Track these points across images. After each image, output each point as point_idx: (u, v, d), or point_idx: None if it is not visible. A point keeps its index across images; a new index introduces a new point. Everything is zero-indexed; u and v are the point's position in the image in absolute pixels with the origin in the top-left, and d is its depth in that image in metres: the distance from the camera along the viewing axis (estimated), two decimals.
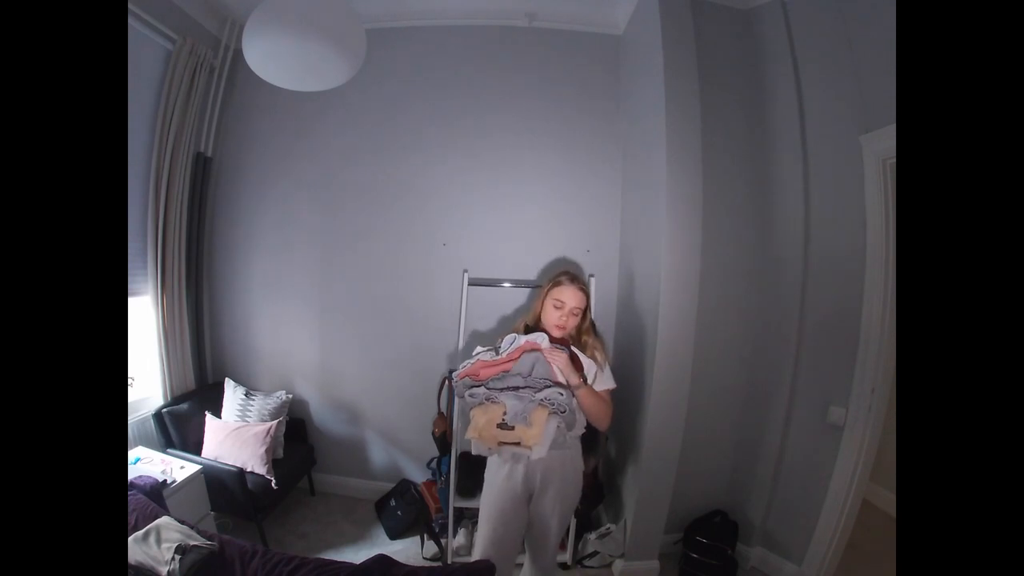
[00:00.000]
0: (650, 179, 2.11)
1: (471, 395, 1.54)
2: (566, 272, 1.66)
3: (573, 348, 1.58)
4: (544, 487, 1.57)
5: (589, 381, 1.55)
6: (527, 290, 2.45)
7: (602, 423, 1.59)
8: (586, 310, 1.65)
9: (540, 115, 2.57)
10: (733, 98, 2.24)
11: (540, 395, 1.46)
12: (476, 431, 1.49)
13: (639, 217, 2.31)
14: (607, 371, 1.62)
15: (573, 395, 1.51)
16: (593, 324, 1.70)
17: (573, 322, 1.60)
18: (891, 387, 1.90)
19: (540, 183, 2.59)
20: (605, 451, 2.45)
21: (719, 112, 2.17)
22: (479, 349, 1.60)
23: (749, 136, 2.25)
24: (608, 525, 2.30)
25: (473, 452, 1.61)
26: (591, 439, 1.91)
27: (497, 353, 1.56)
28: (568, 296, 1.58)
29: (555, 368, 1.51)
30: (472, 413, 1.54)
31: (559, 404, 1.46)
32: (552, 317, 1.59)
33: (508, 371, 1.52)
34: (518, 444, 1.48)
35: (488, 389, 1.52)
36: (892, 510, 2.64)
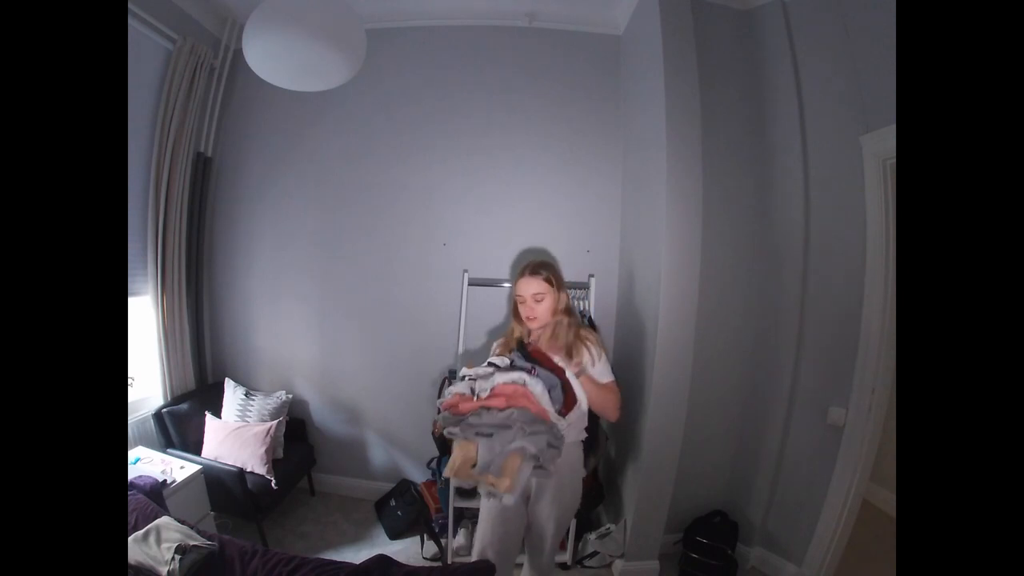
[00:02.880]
0: (650, 179, 2.11)
1: (449, 433, 1.43)
2: (522, 266, 1.64)
3: (557, 360, 1.51)
4: (540, 492, 1.57)
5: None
6: None
7: (609, 412, 1.56)
8: (555, 287, 1.58)
9: (540, 115, 2.57)
10: (733, 98, 2.23)
11: (513, 446, 1.34)
12: (452, 470, 1.39)
13: (639, 217, 2.31)
14: (602, 364, 1.58)
15: (556, 435, 1.37)
16: (592, 321, 1.68)
17: (542, 309, 1.56)
18: (891, 387, 1.89)
19: (540, 183, 2.59)
20: (605, 451, 2.45)
21: (719, 112, 2.17)
22: (464, 371, 1.49)
23: (749, 136, 2.25)
24: (608, 525, 2.30)
25: (453, 485, 1.52)
26: (591, 440, 1.91)
27: (497, 364, 1.47)
28: (523, 287, 1.58)
29: (540, 396, 1.38)
30: (453, 447, 1.43)
31: (535, 453, 1.33)
32: (521, 313, 1.60)
33: (487, 407, 1.39)
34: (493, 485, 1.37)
35: (465, 426, 1.41)
36: (892, 510, 2.64)
